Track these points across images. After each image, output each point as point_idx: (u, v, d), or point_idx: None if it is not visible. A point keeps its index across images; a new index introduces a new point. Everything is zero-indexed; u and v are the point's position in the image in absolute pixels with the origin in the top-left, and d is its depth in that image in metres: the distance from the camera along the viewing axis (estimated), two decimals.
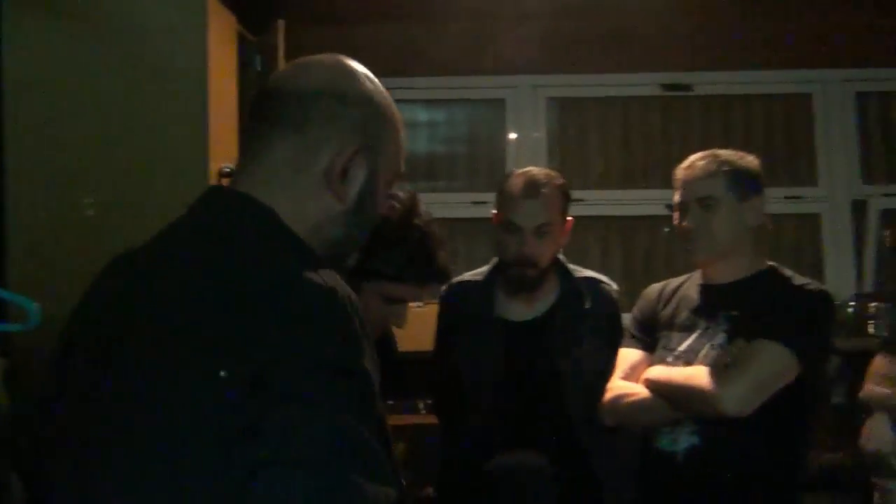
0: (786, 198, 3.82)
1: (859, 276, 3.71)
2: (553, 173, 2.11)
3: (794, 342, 1.66)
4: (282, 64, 2.86)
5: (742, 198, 1.82)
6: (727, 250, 1.83)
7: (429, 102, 4.03)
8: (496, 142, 3.93)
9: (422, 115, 4.06)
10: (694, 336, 1.81)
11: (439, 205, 3.82)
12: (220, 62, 2.41)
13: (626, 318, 2.09)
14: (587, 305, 2.09)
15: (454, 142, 4.05)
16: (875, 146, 3.84)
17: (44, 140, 2.22)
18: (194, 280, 0.92)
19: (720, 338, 1.77)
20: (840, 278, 3.72)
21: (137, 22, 2.27)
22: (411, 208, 1.38)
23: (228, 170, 2.11)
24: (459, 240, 3.70)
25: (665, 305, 1.90)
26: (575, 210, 3.75)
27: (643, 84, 3.86)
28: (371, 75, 1.08)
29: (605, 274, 3.77)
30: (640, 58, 3.78)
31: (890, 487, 1.21)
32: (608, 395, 1.87)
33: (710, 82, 3.85)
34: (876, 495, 1.22)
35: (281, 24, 2.88)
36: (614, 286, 2.21)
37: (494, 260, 2.16)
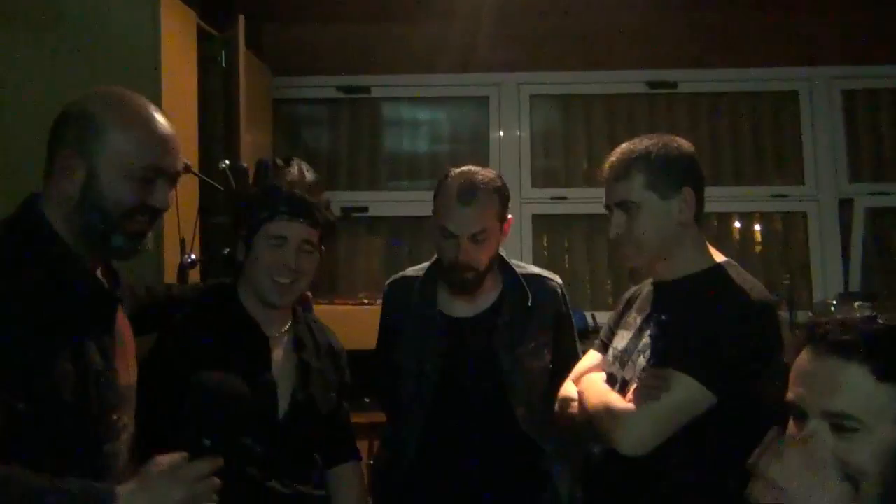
0: (772, 196, 3.80)
1: (846, 274, 3.69)
2: (490, 175, 2.02)
3: (705, 373, 1.51)
4: (243, 59, 2.82)
5: (665, 195, 1.64)
6: (659, 253, 1.67)
7: (412, 101, 3.99)
8: (480, 140, 3.89)
9: (406, 113, 4.02)
10: (630, 335, 1.74)
11: (419, 203, 3.81)
12: (177, 58, 2.37)
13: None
14: (530, 302, 2.06)
15: (438, 140, 4.01)
16: (862, 144, 3.83)
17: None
18: None
19: (648, 343, 1.67)
20: (827, 277, 3.70)
21: (91, 20, 2.24)
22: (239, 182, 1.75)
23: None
24: None
25: (630, 306, 1.85)
26: (560, 208, 3.84)
27: (628, 82, 3.83)
28: (126, 101, 1.39)
29: (593, 272, 3.89)
30: (625, 55, 3.75)
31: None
32: (558, 397, 1.83)
33: (695, 80, 3.82)
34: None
35: (241, 19, 2.83)
36: (558, 281, 2.17)
37: (436, 258, 2.11)
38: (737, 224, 3.87)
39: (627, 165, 1.65)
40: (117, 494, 1.21)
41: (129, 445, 1.42)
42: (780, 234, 3.87)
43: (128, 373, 1.44)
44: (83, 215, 1.34)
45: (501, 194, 2.02)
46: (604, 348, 1.84)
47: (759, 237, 3.90)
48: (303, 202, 1.76)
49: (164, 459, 1.27)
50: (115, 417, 1.37)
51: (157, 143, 1.38)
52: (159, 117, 1.40)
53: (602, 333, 1.90)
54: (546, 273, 2.18)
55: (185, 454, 1.28)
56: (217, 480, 1.30)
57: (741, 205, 3.80)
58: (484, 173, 2.01)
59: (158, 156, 1.37)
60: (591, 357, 1.86)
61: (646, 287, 1.82)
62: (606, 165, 1.70)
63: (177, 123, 2.04)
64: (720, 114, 3.86)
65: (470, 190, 1.96)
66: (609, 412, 1.59)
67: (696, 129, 3.82)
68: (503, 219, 2.03)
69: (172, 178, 1.41)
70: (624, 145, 1.70)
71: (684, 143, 1.71)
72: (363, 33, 3.73)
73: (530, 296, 2.06)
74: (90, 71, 2.20)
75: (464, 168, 2.03)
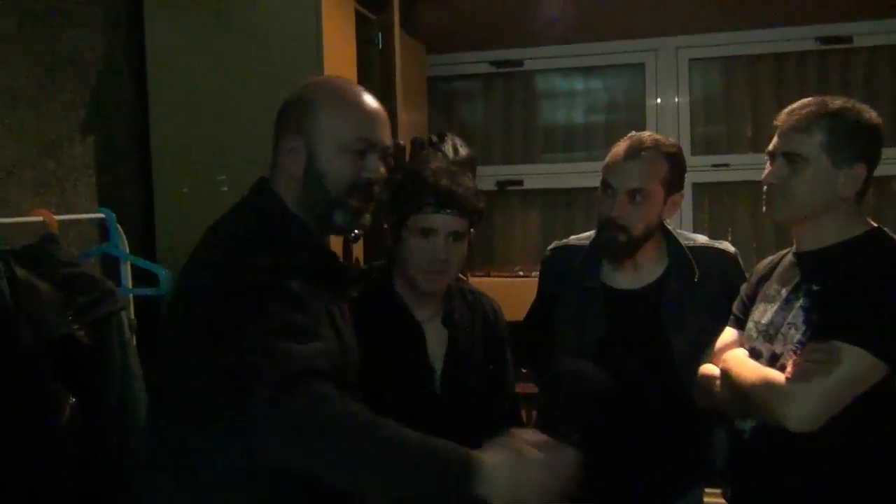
0: None
1: None
2: (666, 140, 1.97)
3: (878, 342, 1.44)
4: (398, 40, 2.89)
5: (838, 163, 1.57)
6: (807, 215, 1.61)
7: (567, 71, 3.95)
8: (636, 109, 3.80)
9: (559, 84, 3.99)
10: (775, 308, 1.65)
11: (575, 175, 3.79)
12: (337, 42, 2.45)
13: None
14: (697, 277, 1.96)
15: (593, 111, 3.95)
16: None
17: (181, 125, 2.40)
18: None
19: (799, 315, 1.59)
20: None
21: (254, 8, 2.37)
22: (396, 161, 1.69)
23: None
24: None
25: (767, 277, 1.75)
26: (722, 175, 3.69)
27: (797, 38, 3.59)
28: (336, 83, 1.53)
29: (759, 242, 3.71)
30: (792, 9, 3.51)
31: None
32: (698, 376, 1.76)
33: (873, 32, 3.52)
34: None
35: (396, 1, 2.91)
36: (732, 250, 2.06)
37: None
38: None
39: (811, 120, 1.59)
40: (483, 462, 1.18)
41: None
42: None
43: (355, 351, 1.53)
44: (308, 193, 1.44)
45: (672, 160, 1.95)
46: (738, 323, 1.77)
47: None
48: (449, 193, 1.77)
49: (536, 439, 1.24)
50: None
51: (365, 116, 1.46)
52: (367, 96, 1.49)
53: (735, 307, 1.82)
54: (717, 243, 2.08)
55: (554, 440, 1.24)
56: (580, 474, 1.23)
57: None
58: (658, 136, 1.97)
59: (368, 129, 1.46)
60: (728, 333, 1.78)
61: (786, 257, 1.73)
62: (787, 111, 1.63)
63: None
64: None
65: (637, 146, 1.92)
66: (773, 388, 1.53)
67: (874, 87, 3.54)
68: (671, 188, 1.95)
69: (384, 152, 1.49)
70: (814, 98, 1.63)
71: (874, 116, 1.62)
72: (514, 6, 3.72)
73: (697, 271, 1.98)
74: (255, 57, 2.34)
75: (643, 132, 2.01)
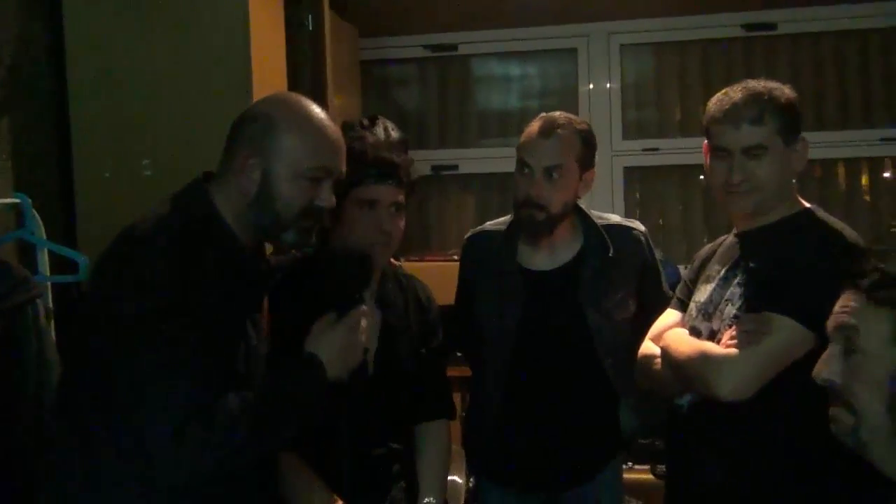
0: (881, 140, 3.60)
1: None
2: (578, 119, 2.03)
3: (808, 313, 1.46)
4: (329, 22, 2.84)
5: (789, 142, 1.63)
6: (772, 201, 1.65)
7: (501, 56, 3.95)
8: (570, 94, 3.83)
9: (494, 69, 3.99)
10: (713, 286, 1.70)
11: (510, 159, 3.78)
12: (265, 24, 2.40)
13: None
14: (611, 253, 2.02)
15: (527, 96, 3.97)
16: None
17: (102, 108, 2.30)
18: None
19: (736, 292, 1.64)
20: None
21: None
22: None
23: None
24: None
25: (708, 261, 1.80)
26: (652, 159, 3.75)
27: (724, 25, 3.67)
28: (299, 105, 1.47)
29: (687, 224, 3.79)
30: None
31: (838, 416, 1.12)
32: (638, 356, 1.81)
33: (796, 20, 3.62)
34: (832, 426, 1.13)
35: None
36: (642, 229, 2.12)
37: None
38: (842, 169, 3.70)
39: (761, 109, 1.61)
40: (316, 357, 1.41)
41: None
42: (890, 179, 3.67)
43: (264, 343, 1.54)
44: (257, 213, 1.42)
45: (585, 138, 2.00)
46: (681, 305, 1.81)
47: (866, 182, 3.71)
48: (391, 164, 1.78)
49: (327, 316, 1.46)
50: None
51: (327, 144, 1.45)
52: (329, 121, 1.48)
53: (678, 291, 1.86)
54: (628, 222, 2.14)
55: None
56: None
57: (847, 150, 3.61)
58: (569, 115, 2.02)
59: (328, 157, 1.45)
60: (669, 315, 1.83)
61: (726, 240, 1.77)
62: (726, 107, 1.64)
63: (266, 89, 2.12)
64: (824, 55, 3.67)
65: (551, 124, 1.97)
66: (707, 359, 1.57)
67: (798, 72, 3.64)
68: (584, 165, 2.00)
69: (338, 179, 1.48)
70: (744, 88, 1.65)
71: (791, 90, 1.67)
72: None
73: (611, 246, 2.03)
74: (179, 39, 2.27)
75: (554, 111, 2.04)
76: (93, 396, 1.32)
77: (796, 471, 1.55)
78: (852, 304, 1.13)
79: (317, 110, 1.48)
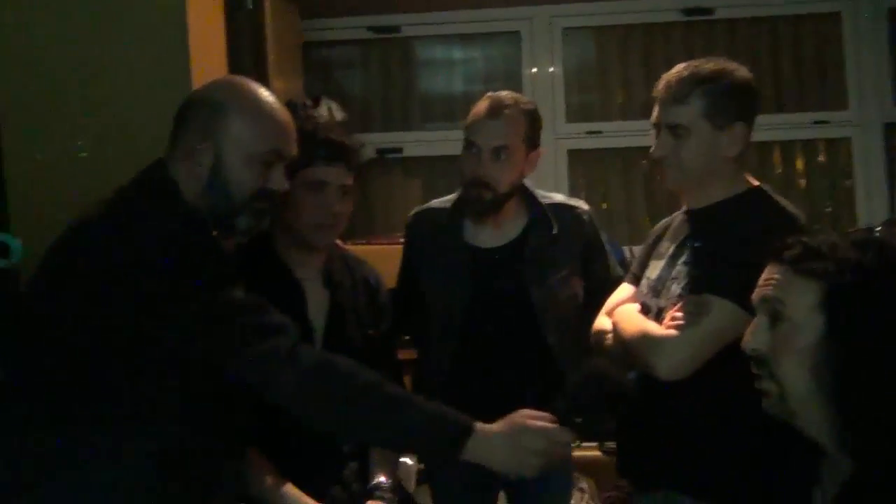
0: (815, 122, 3.70)
1: (892, 199, 3.60)
2: (524, 99, 2.06)
3: (746, 296, 1.44)
4: (270, 2, 2.79)
5: (719, 126, 1.62)
6: (698, 181, 1.67)
7: (444, 39, 3.94)
8: (514, 78, 3.83)
9: (438, 52, 3.98)
10: (662, 263, 1.74)
11: (454, 143, 3.77)
12: (202, 2, 2.33)
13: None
14: (555, 230, 2.05)
15: (472, 79, 3.96)
16: None
17: (31, 87, 2.20)
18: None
19: (681, 271, 1.67)
20: (872, 203, 3.62)
21: None
22: None
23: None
24: None
25: (662, 237, 1.83)
26: (595, 142, 3.79)
27: (663, 9, 3.72)
28: (248, 89, 1.46)
29: (630, 206, 3.85)
30: None
31: (765, 387, 1.17)
32: (592, 331, 1.83)
33: (733, 4, 3.69)
34: (763, 401, 1.19)
35: None
36: (585, 208, 2.16)
37: None
38: (778, 153, 3.79)
39: (687, 89, 1.62)
40: (474, 428, 1.38)
41: None
42: (824, 162, 3.78)
43: None
44: (211, 198, 1.42)
45: (531, 118, 2.02)
46: (636, 280, 1.84)
47: (801, 165, 3.81)
48: (341, 146, 1.77)
49: (534, 415, 1.41)
50: None
51: (278, 128, 1.45)
52: (279, 104, 1.47)
53: (633, 266, 1.90)
54: (572, 201, 2.17)
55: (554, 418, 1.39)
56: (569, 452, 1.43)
57: (783, 133, 3.71)
58: (516, 95, 2.04)
59: (280, 140, 1.45)
60: (624, 289, 1.86)
61: (678, 217, 1.80)
62: (663, 83, 1.66)
63: (204, 70, 2.07)
64: (759, 39, 3.74)
65: (498, 105, 1.98)
66: (647, 338, 1.60)
67: (735, 56, 3.64)
68: (531, 144, 2.03)
69: (289, 162, 1.48)
70: (687, 66, 1.66)
71: (745, 72, 1.67)
72: None
73: (555, 224, 2.06)
74: (113, 15, 2.19)
75: (500, 91, 2.06)
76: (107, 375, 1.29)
77: (734, 442, 1.59)
78: (776, 276, 1.17)
79: (266, 94, 1.47)
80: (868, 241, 1.11)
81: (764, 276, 1.21)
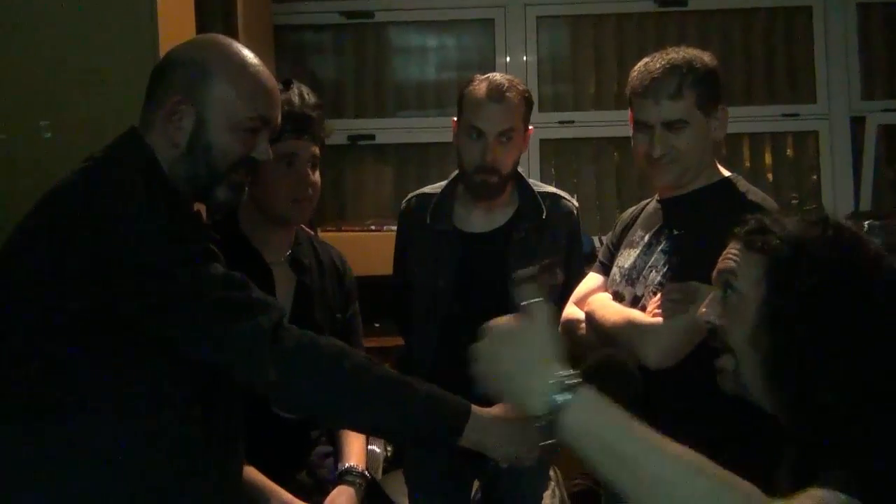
0: (784, 115, 3.74)
1: (857, 193, 3.66)
2: (516, 79, 2.07)
3: None
4: None
5: (708, 113, 1.66)
6: (696, 170, 1.69)
7: (418, 26, 3.91)
8: (487, 66, 3.82)
9: (411, 39, 3.95)
10: (637, 252, 1.74)
11: (427, 130, 3.79)
12: None
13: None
14: (544, 215, 2.08)
15: (445, 67, 3.94)
16: (876, 60, 3.74)
17: None
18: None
19: (660, 259, 1.67)
20: (838, 196, 3.67)
21: None
22: None
23: None
24: (451, 164, 3.64)
25: (631, 225, 1.84)
26: (567, 132, 3.80)
27: (637, 0, 3.73)
28: (233, 50, 1.37)
29: (601, 196, 3.87)
30: None
31: (722, 364, 1.20)
32: (562, 320, 1.83)
33: None
34: (718, 378, 1.21)
35: None
36: (574, 203, 2.18)
37: (454, 174, 2.15)
38: (747, 145, 3.82)
39: (679, 83, 1.63)
40: (472, 411, 1.32)
41: None
42: (792, 155, 3.82)
43: None
44: (190, 165, 1.33)
45: (527, 99, 2.05)
46: (604, 269, 1.84)
47: (769, 158, 3.85)
48: (309, 119, 1.77)
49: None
50: None
51: (264, 92, 1.37)
52: (264, 68, 1.39)
53: (601, 255, 1.90)
54: (562, 193, 2.18)
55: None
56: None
57: (751, 125, 3.74)
58: (510, 77, 2.06)
59: (266, 106, 1.37)
60: (592, 279, 1.86)
61: (649, 205, 1.81)
62: (648, 80, 1.65)
63: (173, 41, 2.00)
64: (732, 31, 3.77)
65: (498, 88, 1.98)
66: (633, 326, 1.61)
67: (707, 47, 3.65)
68: (527, 126, 2.06)
69: (273, 131, 1.41)
70: (660, 58, 1.66)
71: (709, 55, 1.70)
72: None
73: (544, 210, 2.07)
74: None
75: (489, 73, 2.06)
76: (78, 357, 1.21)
77: (697, 429, 1.61)
78: (732, 251, 1.20)
79: (252, 56, 1.39)
80: (817, 220, 1.14)
81: (724, 252, 1.23)
